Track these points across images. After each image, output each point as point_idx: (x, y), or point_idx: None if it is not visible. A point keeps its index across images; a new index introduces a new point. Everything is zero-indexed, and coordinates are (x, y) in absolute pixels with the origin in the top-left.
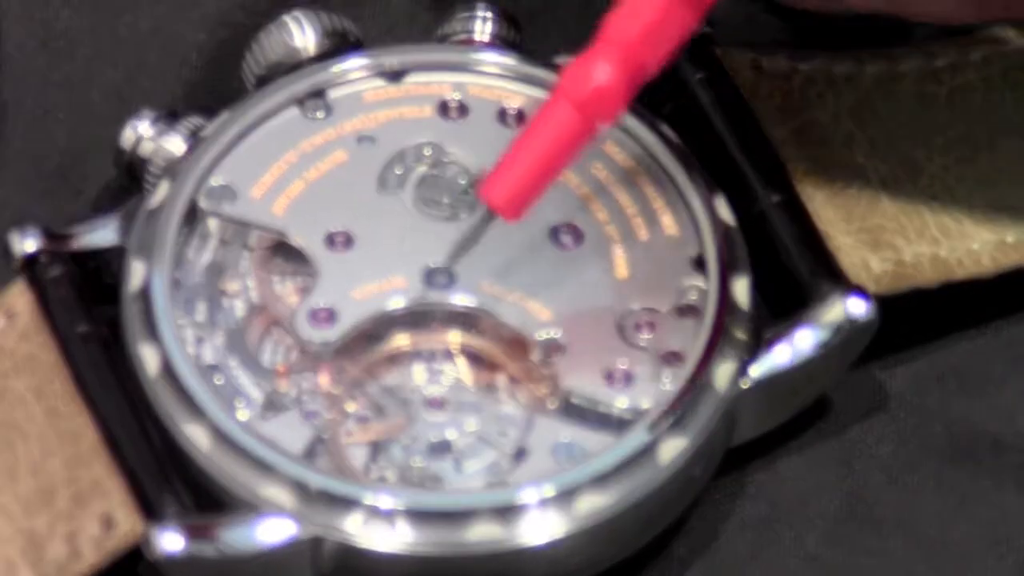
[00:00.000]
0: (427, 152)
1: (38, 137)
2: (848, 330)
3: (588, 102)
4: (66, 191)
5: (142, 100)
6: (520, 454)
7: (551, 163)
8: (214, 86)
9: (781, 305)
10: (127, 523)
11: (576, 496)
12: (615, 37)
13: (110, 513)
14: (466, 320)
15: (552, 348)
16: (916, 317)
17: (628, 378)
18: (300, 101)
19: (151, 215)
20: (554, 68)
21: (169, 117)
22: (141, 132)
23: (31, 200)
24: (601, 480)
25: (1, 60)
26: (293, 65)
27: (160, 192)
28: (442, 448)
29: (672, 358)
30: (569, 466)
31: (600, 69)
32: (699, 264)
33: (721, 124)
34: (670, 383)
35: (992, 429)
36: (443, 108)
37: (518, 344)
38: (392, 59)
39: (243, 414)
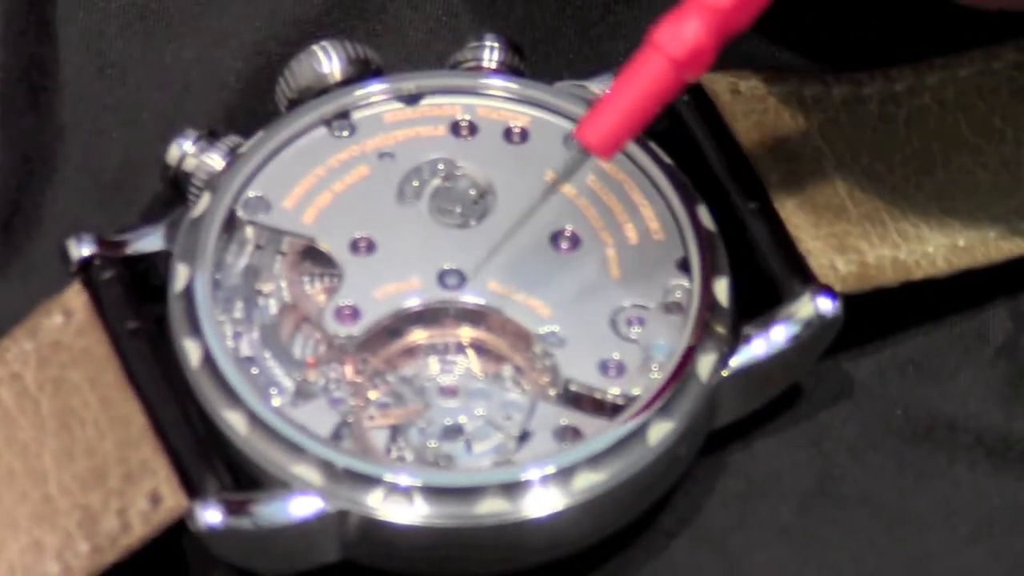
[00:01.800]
0: (441, 167)
1: (94, 154)
2: (817, 325)
3: (682, 59)
4: (119, 202)
5: (186, 121)
6: (524, 436)
7: (643, 111)
8: (250, 108)
9: (757, 302)
10: (172, 499)
11: (574, 474)
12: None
13: (157, 490)
14: (475, 317)
15: (552, 341)
16: (878, 313)
17: (620, 368)
18: (327, 121)
19: (194, 223)
20: (554, 91)
21: (210, 136)
22: (185, 149)
23: (88, 210)
24: (596, 459)
25: (61, 86)
26: (321, 89)
27: (202, 203)
28: (454, 431)
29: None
30: (567, 447)
31: (694, 28)
32: (684, 266)
33: (704, 141)
34: (658, 372)
35: (947, 413)
36: (455, 128)
37: (522, 338)
38: (409, 84)
39: (276, 401)
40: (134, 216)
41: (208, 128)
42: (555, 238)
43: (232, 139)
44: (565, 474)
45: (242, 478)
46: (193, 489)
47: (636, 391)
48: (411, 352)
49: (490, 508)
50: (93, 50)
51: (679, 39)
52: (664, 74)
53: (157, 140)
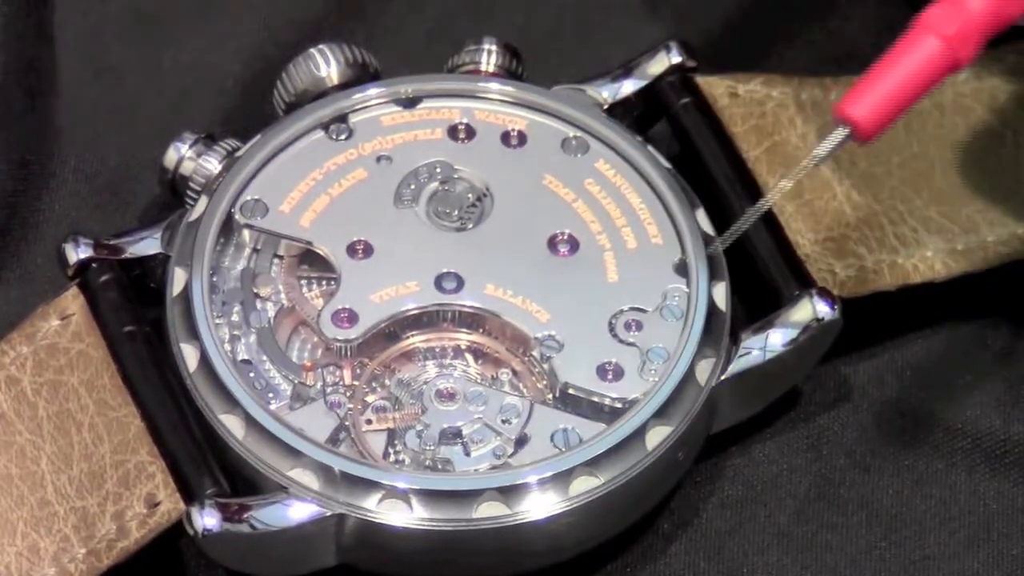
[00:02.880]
0: (438, 170)
1: (91, 158)
2: (816, 329)
3: (956, 38)
4: (116, 205)
5: (184, 124)
6: (522, 440)
7: (912, 90)
8: (248, 112)
9: (756, 306)
10: (169, 503)
11: (572, 477)
12: None
13: (154, 494)
14: (473, 320)
15: (550, 345)
16: (877, 317)
17: (618, 372)
18: (325, 125)
19: (191, 227)
20: (552, 95)
21: (207, 139)
22: (183, 153)
23: (85, 213)
24: (594, 463)
25: (58, 89)
26: (319, 93)
27: (199, 206)
28: (452, 435)
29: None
30: (565, 450)
31: (970, 8)
32: (682, 269)
33: (702, 144)
34: (656, 376)
35: (944, 418)
36: (452, 131)
37: (520, 341)
38: (407, 87)
39: (274, 405)
40: (131, 219)
41: (205, 132)
42: (553, 242)
43: (229, 142)
44: (563, 477)
45: (239, 482)
46: (190, 493)
47: (634, 395)
48: (409, 356)
49: (488, 512)
50: (90, 54)
51: (952, 18)
52: (937, 53)
53: (154, 143)
